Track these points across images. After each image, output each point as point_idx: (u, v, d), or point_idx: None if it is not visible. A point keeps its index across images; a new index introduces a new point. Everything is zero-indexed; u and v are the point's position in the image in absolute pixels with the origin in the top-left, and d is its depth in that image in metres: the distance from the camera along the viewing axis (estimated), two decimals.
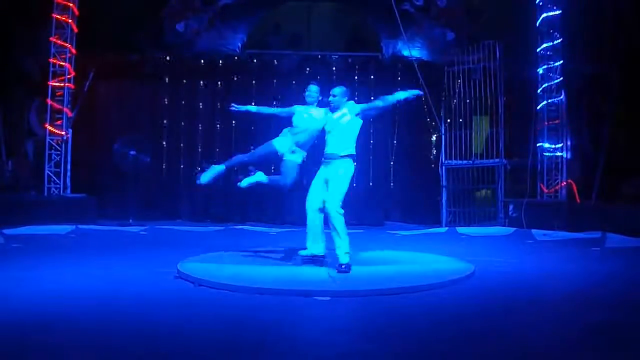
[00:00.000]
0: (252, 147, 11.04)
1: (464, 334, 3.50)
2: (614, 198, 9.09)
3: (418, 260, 6.12)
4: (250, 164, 5.79)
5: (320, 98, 5.92)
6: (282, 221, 11.17)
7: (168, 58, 11.46)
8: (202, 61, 11.60)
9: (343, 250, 5.32)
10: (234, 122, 11.70)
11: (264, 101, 11.55)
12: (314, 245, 5.73)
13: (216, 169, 5.64)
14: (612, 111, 9.48)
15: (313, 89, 5.91)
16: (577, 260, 6.52)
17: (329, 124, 5.72)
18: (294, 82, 11.56)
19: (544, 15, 10.20)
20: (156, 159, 11.36)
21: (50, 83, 10.49)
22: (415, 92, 5.57)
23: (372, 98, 11.44)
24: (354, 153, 5.60)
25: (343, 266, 5.25)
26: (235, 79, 11.76)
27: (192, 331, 3.49)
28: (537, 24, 10.31)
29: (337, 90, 5.72)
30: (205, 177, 5.61)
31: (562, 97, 10.18)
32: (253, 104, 11.32)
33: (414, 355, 3.12)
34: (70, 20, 10.50)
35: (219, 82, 11.79)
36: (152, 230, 9.50)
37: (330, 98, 5.72)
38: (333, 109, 5.71)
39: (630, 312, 4.05)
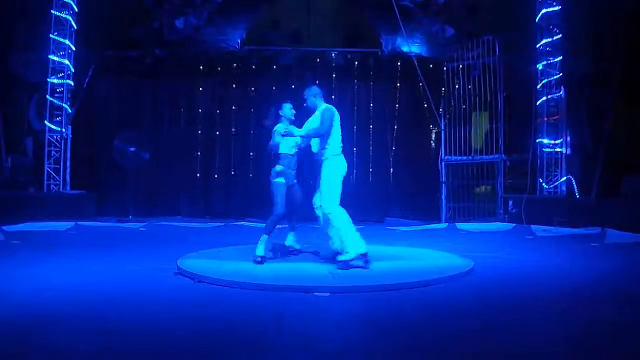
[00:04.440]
0: (250, 154, 11.41)
1: (463, 330, 3.50)
2: (613, 194, 9.08)
3: (418, 256, 6.13)
4: (284, 214, 5.73)
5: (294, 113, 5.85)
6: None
7: (167, 54, 11.43)
8: (202, 57, 11.58)
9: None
10: (233, 119, 11.71)
11: (262, 97, 11.60)
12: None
13: (264, 240, 5.56)
14: (611, 107, 9.46)
15: (287, 107, 5.85)
16: (577, 256, 6.54)
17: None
18: (293, 78, 11.55)
19: (544, 11, 10.20)
20: (155, 155, 11.35)
21: (50, 79, 10.48)
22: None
23: (370, 94, 11.79)
24: (334, 151, 5.40)
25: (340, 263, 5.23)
26: (234, 74, 11.74)
27: (192, 327, 3.49)
28: (537, 20, 10.30)
29: (307, 92, 5.64)
30: (261, 250, 5.51)
31: (561, 93, 10.19)
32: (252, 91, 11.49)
33: (414, 350, 3.12)
34: (69, 17, 10.49)
35: (218, 78, 11.77)
36: (152, 227, 9.51)
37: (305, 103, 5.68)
38: (310, 111, 5.63)
39: (629, 307, 4.06)
